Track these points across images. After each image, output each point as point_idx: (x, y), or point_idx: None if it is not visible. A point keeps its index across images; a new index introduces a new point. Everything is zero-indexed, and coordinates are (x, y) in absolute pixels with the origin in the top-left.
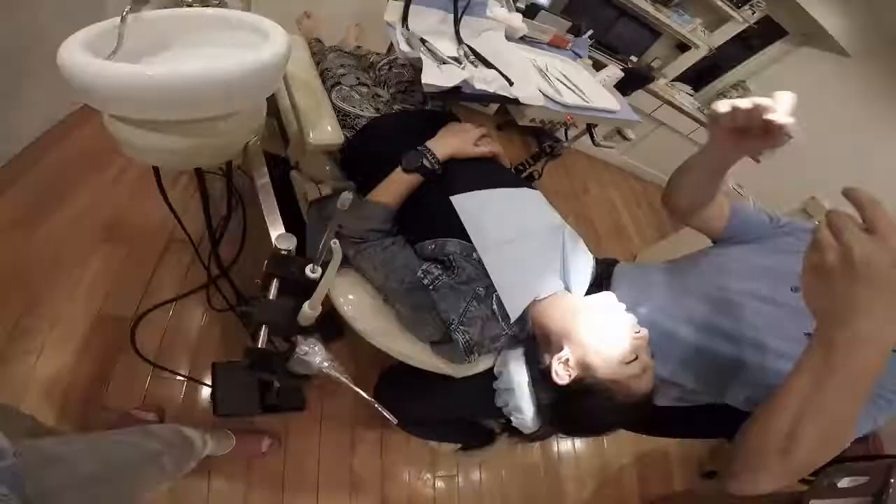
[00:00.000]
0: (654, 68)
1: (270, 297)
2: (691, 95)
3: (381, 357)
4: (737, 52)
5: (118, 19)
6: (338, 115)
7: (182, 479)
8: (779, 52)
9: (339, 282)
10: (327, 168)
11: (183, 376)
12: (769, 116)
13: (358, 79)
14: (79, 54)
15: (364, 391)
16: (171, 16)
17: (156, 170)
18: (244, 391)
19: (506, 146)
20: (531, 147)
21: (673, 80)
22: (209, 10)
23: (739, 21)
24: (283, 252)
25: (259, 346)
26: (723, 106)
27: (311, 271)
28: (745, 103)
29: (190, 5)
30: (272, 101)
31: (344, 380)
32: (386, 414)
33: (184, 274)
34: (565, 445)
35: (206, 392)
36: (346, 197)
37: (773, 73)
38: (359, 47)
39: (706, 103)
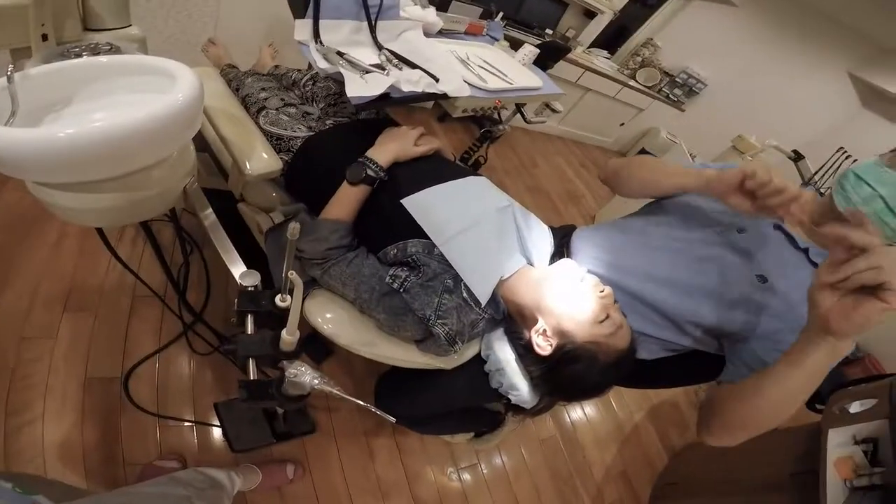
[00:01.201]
0: (570, 38)
1: (249, 332)
2: (608, 59)
3: (374, 365)
4: (638, 12)
5: (4, 80)
6: (270, 140)
7: None
8: (674, 7)
9: (313, 303)
10: (273, 195)
11: (189, 421)
12: (793, 209)
13: (283, 100)
14: None
15: (362, 399)
16: (64, 69)
17: (101, 232)
18: (253, 424)
19: (450, 136)
20: (474, 133)
21: (589, 48)
22: (103, 59)
23: None
24: (249, 289)
25: (251, 377)
26: (763, 173)
27: (280, 301)
28: (778, 183)
29: (79, 55)
30: (200, 137)
31: (337, 392)
32: (383, 415)
33: (158, 326)
34: (576, 413)
35: (217, 432)
36: (295, 226)
37: (674, 28)
38: (276, 67)
39: (623, 64)
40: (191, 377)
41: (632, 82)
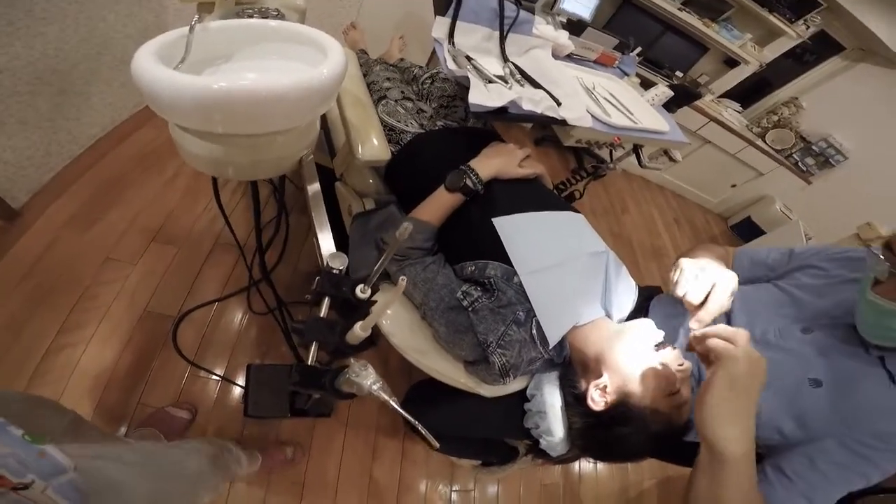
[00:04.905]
0: (701, 84)
1: (322, 315)
2: (739, 112)
3: (409, 365)
4: (788, 67)
5: (186, 29)
6: (384, 130)
7: None
8: (835, 67)
9: (379, 296)
10: (370, 181)
11: (218, 376)
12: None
13: (403, 93)
14: (152, 64)
15: (397, 402)
16: (236, 27)
17: (214, 180)
18: (276, 395)
19: (543, 161)
20: (569, 162)
21: (720, 97)
22: (272, 23)
23: (793, 36)
24: (335, 271)
25: (309, 362)
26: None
27: (361, 292)
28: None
29: (251, 16)
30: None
31: (392, 403)
32: (429, 438)
33: (227, 276)
34: (587, 466)
35: (237, 392)
36: (406, 227)
37: (827, 90)
38: (402, 59)
39: (754, 121)
40: (237, 333)
41: (759, 142)
